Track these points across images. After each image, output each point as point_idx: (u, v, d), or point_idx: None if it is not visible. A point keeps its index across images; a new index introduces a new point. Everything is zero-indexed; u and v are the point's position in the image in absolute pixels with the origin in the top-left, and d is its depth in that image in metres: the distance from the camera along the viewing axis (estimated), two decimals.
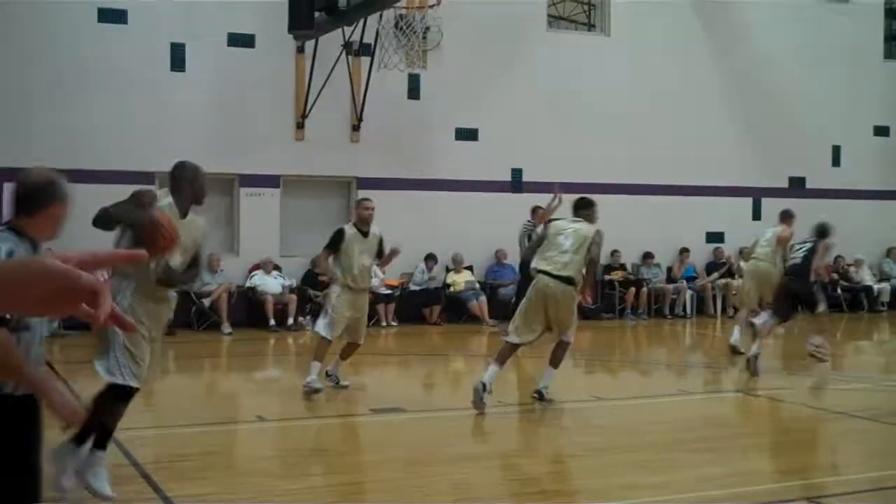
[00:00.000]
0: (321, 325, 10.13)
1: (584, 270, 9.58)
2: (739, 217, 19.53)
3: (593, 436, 8.52)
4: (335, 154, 16.95)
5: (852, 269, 20.27)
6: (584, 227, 9.63)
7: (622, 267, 18.66)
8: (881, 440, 8.90)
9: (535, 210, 16.03)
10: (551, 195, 13.65)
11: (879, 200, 20.77)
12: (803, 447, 8.51)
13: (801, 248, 12.68)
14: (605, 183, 17.98)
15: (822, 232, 12.86)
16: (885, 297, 20.28)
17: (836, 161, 20.55)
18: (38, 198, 4.02)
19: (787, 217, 14.07)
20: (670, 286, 18.57)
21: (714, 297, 19.01)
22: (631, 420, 9.24)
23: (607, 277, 18.35)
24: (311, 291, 16.35)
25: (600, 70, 18.60)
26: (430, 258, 17.09)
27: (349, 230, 10.22)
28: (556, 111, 18.25)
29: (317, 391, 9.87)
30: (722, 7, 19.49)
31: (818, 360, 12.38)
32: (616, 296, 18.31)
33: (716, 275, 18.93)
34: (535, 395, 9.82)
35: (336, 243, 10.13)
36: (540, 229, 15.55)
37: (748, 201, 19.71)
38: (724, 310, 18.89)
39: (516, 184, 17.98)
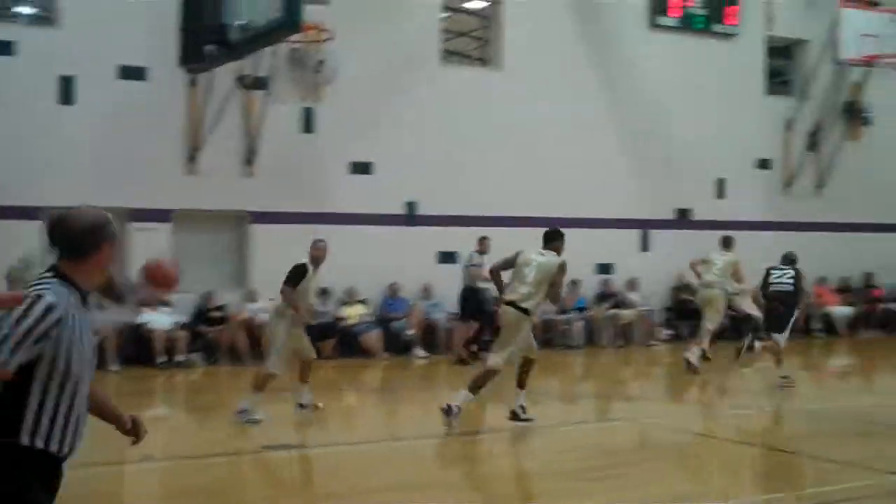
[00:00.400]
0: (273, 363, 10.41)
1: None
2: (627, 248, 19.98)
3: (490, 466, 8.62)
4: (228, 188, 16.83)
5: (736, 298, 20.78)
6: (549, 261, 10.16)
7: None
8: (765, 464, 9.20)
9: (482, 240, 16.70)
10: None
11: (761, 231, 21.38)
12: (695, 473, 8.75)
13: (783, 275, 13.91)
14: (496, 216, 18.21)
15: (794, 259, 14.17)
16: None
17: (720, 193, 21.16)
18: (89, 240, 3.70)
19: (729, 244, 15.55)
20: (561, 317, 18.82)
21: (602, 327, 19.31)
22: (530, 449, 9.36)
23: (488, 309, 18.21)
24: (203, 327, 16.19)
25: (492, 104, 18.86)
26: (324, 292, 17.05)
27: (308, 266, 10.57)
28: (450, 145, 18.44)
29: (255, 422, 10.06)
30: (610, 42, 19.98)
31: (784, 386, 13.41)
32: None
33: (605, 305, 19.30)
34: (511, 415, 10.19)
35: (300, 278, 10.44)
36: (476, 257, 16.21)
37: (636, 233, 20.16)
38: (613, 339, 19.23)
39: (410, 217, 18.09)
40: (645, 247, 20.13)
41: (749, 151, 21.39)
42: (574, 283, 19.24)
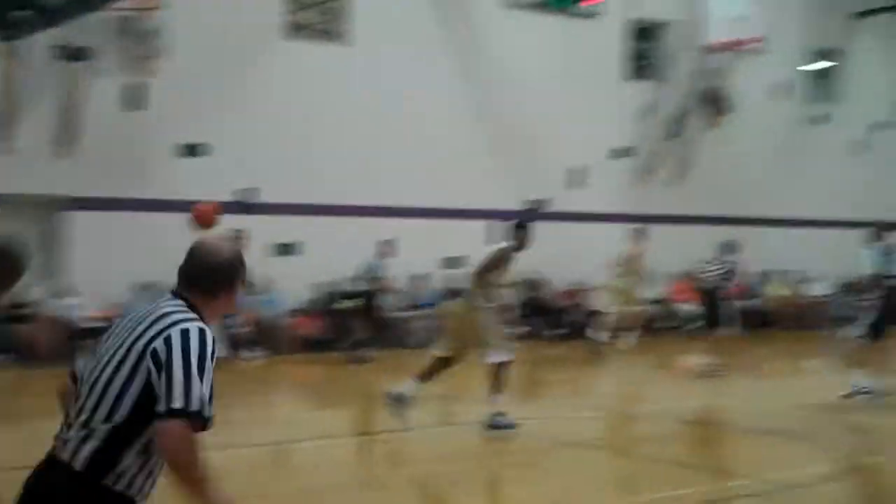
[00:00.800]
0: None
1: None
2: (478, 241, 20.25)
3: (331, 476, 8.91)
4: (44, 170, 16.59)
5: (591, 294, 21.54)
6: (494, 248, 10.90)
7: (357, 295, 18.72)
8: (611, 469, 9.78)
9: (385, 244, 17.14)
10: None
11: (620, 223, 22.14)
12: (539, 478, 9.13)
13: (716, 268, 15.66)
14: (342, 205, 18.46)
15: (733, 249, 15.96)
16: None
17: (577, 182, 21.62)
18: (227, 276, 3.84)
19: (638, 235, 17.47)
20: (405, 314, 19.04)
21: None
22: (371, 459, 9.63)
23: (338, 307, 18.30)
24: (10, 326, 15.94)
25: (342, 83, 19.06)
26: (150, 286, 16.88)
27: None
28: (294, 126, 18.54)
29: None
30: (467, 19, 20.47)
31: (711, 375, 14.71)
32: (349, 326, 17.94)
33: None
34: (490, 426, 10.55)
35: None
36: (377, 266, 16.94)
37: (483, 224, 20.35)
38: None
39: (247, 205, 18.15)
40: (493, 239, 20.44)
41: (607, 139, 21.98)
42: (418, 277, 19.62)
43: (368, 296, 17.37)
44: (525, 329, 20.34)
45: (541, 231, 20.43)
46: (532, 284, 20.70)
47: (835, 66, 26.58)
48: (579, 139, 21.49)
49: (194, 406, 3.51)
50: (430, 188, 19.80)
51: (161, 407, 3.51)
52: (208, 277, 3.82)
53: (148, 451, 3.62)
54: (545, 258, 20.74)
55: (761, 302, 23.27)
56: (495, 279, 10.75)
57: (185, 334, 3.62)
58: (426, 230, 19.57)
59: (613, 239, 21.60)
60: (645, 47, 23.60)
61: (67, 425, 3.71)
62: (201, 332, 3.66)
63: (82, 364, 3.81)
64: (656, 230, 21.86)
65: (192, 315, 3.72)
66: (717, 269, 15.78)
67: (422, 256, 19.30)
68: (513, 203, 20.83)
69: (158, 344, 3.60)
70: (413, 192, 19.68)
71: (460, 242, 18.61)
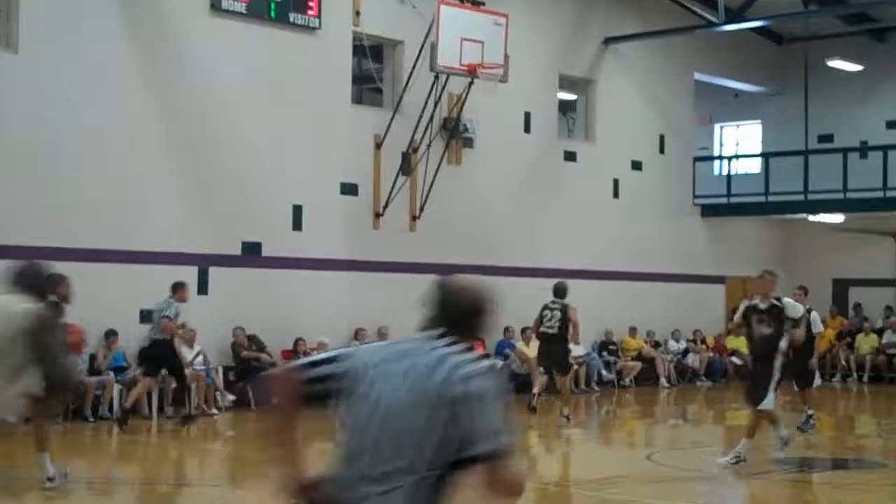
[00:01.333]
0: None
1: None
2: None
3: None
4: None
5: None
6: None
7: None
8: None
9: (176, 286, 17.33)
10: None
11: (346, 272, 21.82)
12: None
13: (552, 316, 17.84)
14: (40, 247, 17.02)
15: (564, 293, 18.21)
16: None
17: (296, 224, 21.32)
18: (486, 315, 4.40)
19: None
20: (93, 379, 18.12)
21: (162, 390, 18.75)
22: None
23: None
24: None
25: (5, 95, 17.94)
26: None
27: None
28: None
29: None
30: (162, 31, 19.57)
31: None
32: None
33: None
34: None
35: None
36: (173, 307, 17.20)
37: (193, 271, 19.67)
38: (160, 407, 18.75)
39: None
40: (204, 288, 19.82)
41: (333, 173, 21.71)
42: (112, 334, 18.63)
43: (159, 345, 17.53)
44: (230, 399, 19.72)
45: (261, 278, 20.32)
46: (239, 345, 20.04)
47: (585, 97, 27.25)
48: (303, 173, 21.14)
49: (508, 443, 4.11)
50: (120, 227, 18.78)
51: (485, 448, 4.05)
52: (468, 321, 4.38)
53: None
54: (258, 313, 20.28)
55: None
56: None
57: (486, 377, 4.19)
58: (120, 278, 18.57)
59: (338, 292, 21.33)
60: (376, 68, 23.45)
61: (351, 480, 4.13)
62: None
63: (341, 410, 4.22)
64: (387, 280, 21.80)
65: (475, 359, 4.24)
66: None
67: (114, 309, 18.35)
68: (229, 247, 20.30)
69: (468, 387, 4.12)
70: (96, 232, 18.59)
71: (162, 293, 17.66)
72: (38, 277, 8.49)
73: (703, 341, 27.81)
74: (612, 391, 25.03)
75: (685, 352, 27.31)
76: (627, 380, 25.83)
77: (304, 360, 4.37)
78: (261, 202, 20.65)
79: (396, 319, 20.11)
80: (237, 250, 20.55)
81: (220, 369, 19.96)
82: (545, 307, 18.40)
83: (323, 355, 4.38)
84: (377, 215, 22.49)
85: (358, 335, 21.38)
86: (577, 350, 20.90)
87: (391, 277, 21.90)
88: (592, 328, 24.43)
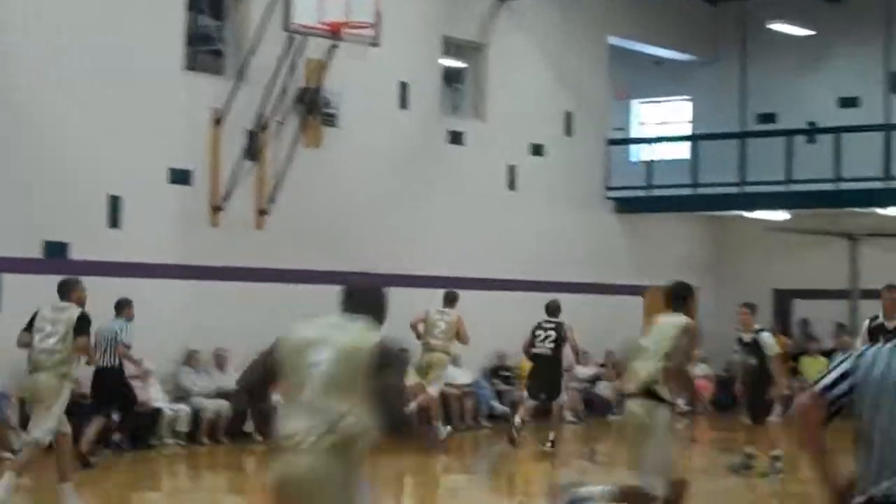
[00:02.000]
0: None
1: None
2: None
3: None
4: None
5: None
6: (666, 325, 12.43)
7: None
8: None
9: (125, 305, 18.82)
10: None
11: (176, 279, 21.49)
12: None
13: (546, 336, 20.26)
14: None
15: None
16: (183, 426, 20.96)
17: (114, 220, 20.99)
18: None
19: (452, 300, 21.14)
20: None
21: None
22: None
23: None
24: None
25: None
26: None
27: None
28: None
29: None
30: None
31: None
32: None
33: None
34: None
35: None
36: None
37: None
38: None
39: None
40: None
41: (161, 157, 21.48)
42: None
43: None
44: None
45: (47, 287, 19.69)
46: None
47: (474, 64, 27.13)
48: (121, 158, 20.84)
49: None
50: None
51: None
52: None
53: None
54: None
55: None
56: None
57: None
58: None
59: (165, 303, 21.01)
60: (214, 26, 23.21)
61: None
62: None
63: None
64: (228, 289, 21.53)
65: None
66: None
67: None
68: (28, 249, 20.08)
69: None
70: None
71: None
72: None
73: (616, 366, 27.67)
74: (505, 427, 24.71)
75: (594, 379, 27.25)
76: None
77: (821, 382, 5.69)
78: (68, 193, 20.39)
79: (240, 339, 20.09)
80: (38, 253, 20.30)
81: (16, 400, 19.35)
82: (537, 326, 20.59)
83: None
84: (215, 209, 22.32)
85: (191, 359, 21.32)
86: (581, 371, 25.70)
87: (233, 287, 22.00)
88: (480, 349, 24.50)
